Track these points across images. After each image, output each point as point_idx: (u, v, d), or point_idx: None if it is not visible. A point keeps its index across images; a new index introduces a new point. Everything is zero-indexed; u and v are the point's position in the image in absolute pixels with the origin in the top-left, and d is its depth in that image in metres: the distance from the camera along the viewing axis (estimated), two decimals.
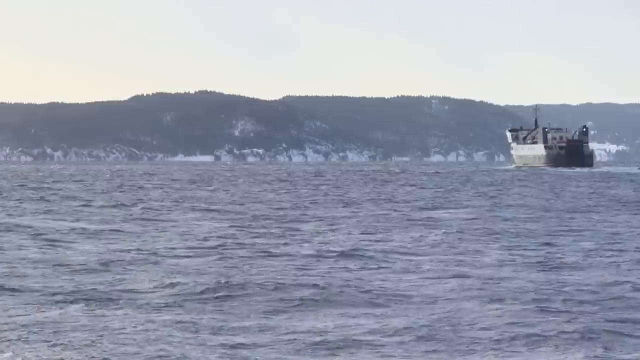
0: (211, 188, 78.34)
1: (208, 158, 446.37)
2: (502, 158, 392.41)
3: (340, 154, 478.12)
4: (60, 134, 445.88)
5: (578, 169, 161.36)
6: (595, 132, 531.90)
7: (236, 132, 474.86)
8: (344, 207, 50.11)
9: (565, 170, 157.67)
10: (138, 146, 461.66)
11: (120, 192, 69.48)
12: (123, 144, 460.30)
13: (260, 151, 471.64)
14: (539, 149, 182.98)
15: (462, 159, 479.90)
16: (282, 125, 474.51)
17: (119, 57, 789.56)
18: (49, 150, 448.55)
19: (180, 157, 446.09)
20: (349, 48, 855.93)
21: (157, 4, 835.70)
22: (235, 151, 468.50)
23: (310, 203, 53.82)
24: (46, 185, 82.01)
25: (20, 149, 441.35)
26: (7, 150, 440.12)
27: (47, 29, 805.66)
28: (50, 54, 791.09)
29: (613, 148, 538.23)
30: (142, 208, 47.21)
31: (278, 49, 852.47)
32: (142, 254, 25.59)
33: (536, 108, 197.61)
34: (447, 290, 19.31)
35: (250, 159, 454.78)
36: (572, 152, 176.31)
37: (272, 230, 34.00)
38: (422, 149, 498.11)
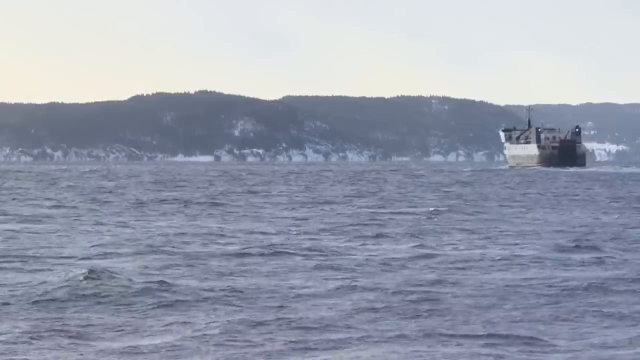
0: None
1: (208, 158, 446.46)
2: (501, 158, 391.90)
3: (340, 154, 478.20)
4: (60, 134, 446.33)
5: (572, 169, 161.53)
6: (595, 132, 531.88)
7: (236, 132, 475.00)
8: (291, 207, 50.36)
9: (558, 169, 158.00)
10: (138, 146, 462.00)
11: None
12: (123, 144, 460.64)
13: (260, 151, 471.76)
14: (532, 149, 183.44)
15: (462, 159, 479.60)
16: (282, 125, 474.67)
17: (119, 57, 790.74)
18: (49, 150, 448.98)
19: (180, 157, 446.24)
20: (349, 48, 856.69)
21: (157, 4, 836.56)
22: (235, 151, 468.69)
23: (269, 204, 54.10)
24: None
25: (20, 149, 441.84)
26: (7, 150, 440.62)
27: (47, 29, 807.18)
28: (50, 54, 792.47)
29: (613, 148, 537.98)
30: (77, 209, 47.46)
31: (278, 49, 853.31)
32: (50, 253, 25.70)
33: (529, 108, 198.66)
34: (320, 288, 19.56)
35: (250, 159, 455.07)
36: (564, 152, 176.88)
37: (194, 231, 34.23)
38: (422, 149, 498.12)
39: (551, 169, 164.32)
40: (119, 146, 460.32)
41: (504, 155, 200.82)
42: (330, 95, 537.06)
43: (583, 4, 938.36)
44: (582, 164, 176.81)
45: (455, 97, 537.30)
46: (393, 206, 51.35)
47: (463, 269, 23.15)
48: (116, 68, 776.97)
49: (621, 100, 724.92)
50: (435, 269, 23.06)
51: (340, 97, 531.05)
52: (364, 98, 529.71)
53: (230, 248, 27.68)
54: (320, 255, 25.83)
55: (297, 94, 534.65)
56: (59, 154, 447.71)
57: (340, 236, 32.00)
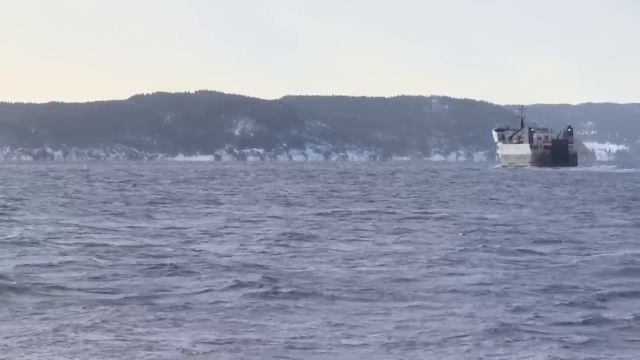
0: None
1: (208, 158, 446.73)
2: None
3: (341, 154, 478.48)
4: (60, 133, 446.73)
5: (562, 169, 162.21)
6: (595, 132, 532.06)
7: (236, 132, 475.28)
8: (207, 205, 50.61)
9: (550, 169, 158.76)
10: (138, 146, 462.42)
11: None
12: (123, 144, 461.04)
13: (261, 151, 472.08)
14: (524, 149, 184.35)
15: (462, 158, 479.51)
16: (282, 125, 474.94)
17: (119, 57, 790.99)
18: (49, 150, 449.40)
19: (180, 157, 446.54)
20: (349, 48, 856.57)
21: (157, 4, 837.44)
22: (235, 151, 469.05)
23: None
24: None
25: (20, 148, 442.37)
26: (7, 150, 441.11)
27: (47, 29, 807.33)
28: (50, 54, 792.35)
29: (613, 148, 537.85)
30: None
31: (278, 49, 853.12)
32: None
33: (522, 108, 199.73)
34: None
35: (250, 158, 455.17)
36: (557, 152, 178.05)
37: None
38: (422, 149, 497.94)
39: (543, 168, 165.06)
40: (119, 146, 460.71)
41: (497, 154, 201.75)
42: (331, 95, 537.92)
43: (583, 4, 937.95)
44: (574, 163, 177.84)
45: (456, 97, 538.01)
46: (349, 205, 51.58)
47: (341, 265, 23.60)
48: (116, 68, 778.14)
49: (621, 100, 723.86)
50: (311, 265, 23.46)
51: (341, 97, 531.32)
52: (364, 98, 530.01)
53: (116, 243, 27.97)
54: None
55: (297, 94, 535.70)
56: (59, 153, 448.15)
57: (242, 237, 31.72)
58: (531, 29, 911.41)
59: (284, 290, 19.11)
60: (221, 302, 17.85)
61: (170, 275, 21.56)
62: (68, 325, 15.36)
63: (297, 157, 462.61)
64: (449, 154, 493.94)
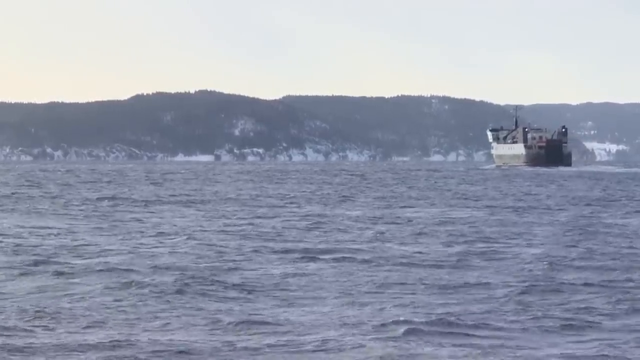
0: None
1: (208, 158, 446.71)
2: None
3: (341, 154, 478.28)
4: (60, 133, 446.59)
5: (556, 169, 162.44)
6: (595, 132, 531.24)
7: (236, 132, 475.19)
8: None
9: (545, 169, 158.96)
10: (138, 146, 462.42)
11: None
12: (123, 144, 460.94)
13: (261, 151, 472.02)
14: (519, 149, 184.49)
15: (462, 158, 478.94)
16: (282, 125, 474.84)
17: (119, 57, 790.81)
18: (49, 150, 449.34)
19: (180, 157, 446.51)
20: (349, 48, 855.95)
21: (157, 4, 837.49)
22: (235, 151, 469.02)
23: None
24: None
25: (20, 148, 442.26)
26: (7, 150, 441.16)
27: (47, 29, 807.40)
28: (51, 54, 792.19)
29: (613, 148, 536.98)
30: None
31: (278, 49, 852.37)
32: None
33: (516, 108, 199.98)
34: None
35: (250, 158, 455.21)
36: (551, 152, 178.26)
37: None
38: (422, 149, 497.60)
39: (537, 168, 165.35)
40: (119, 146, 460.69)
41: (492, 154, 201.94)
42: (330, 95, 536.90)
43: (583, 4, 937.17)
44: (568, 163, 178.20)
45: (455, 96, 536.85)
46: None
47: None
48: (116, 68, 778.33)
49: (621, 100, 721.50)
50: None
51: (340, 97, 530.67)
52: (364, 98, 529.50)
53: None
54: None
55: (297, 94, 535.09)
56: (59, 153, 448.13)
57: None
58: (531, 29, 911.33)
59: (193, 289, 19.40)
60: (129, 301, 18.11)
61: (72, 277, 21.83)
62: None
63: (297, 157, 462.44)
64: (449, 154, 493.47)
